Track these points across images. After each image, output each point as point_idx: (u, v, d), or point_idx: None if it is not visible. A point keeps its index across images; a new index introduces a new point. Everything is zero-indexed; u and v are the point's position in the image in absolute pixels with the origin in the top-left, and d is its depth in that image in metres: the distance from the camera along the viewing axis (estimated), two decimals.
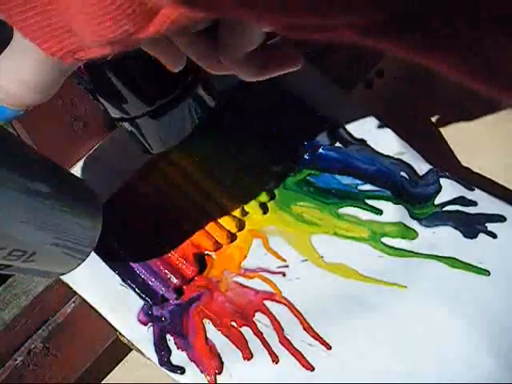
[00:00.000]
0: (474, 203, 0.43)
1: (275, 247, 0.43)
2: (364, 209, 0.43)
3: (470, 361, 0.36)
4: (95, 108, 0.41)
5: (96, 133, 0.42)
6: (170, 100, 0.34)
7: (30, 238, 0.27)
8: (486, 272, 0.39)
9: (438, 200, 0.44)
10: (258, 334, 0.39)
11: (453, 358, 0.36)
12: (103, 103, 0.34)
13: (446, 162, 0.51)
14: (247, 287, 0.41)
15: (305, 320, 0.39)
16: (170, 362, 0.38)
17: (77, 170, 0.41)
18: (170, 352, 0.39)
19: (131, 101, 0.33)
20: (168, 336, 0.39)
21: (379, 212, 0.43)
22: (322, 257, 0.42)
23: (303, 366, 0.37)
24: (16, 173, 0.25)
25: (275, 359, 0.37)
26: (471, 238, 0.41)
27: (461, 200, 0.43)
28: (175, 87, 0.34)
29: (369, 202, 0.44)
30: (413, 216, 0.43)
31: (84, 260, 0.32)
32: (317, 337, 0.38)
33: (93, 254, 0.40)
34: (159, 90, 0.33)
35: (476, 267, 0.40)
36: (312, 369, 0.37)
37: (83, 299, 0.40)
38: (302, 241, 0.43)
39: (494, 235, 0.41)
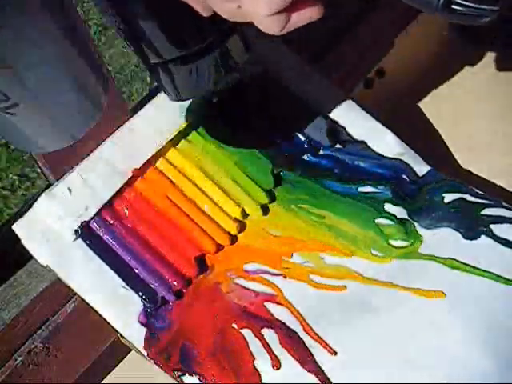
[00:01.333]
0: (474, 204, 0.43)
1: None
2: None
3: (469, 361, 0.36)
4: None
5: (96, 133, 0.42)
6: (202, 47, 0.34)
7: (18, 81, 0.24)
8: (487, 273, 0.39)
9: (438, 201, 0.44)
10: (259, 336, 0.39)
11: (453, 358, 0.37)
12: (137, 47, 0.34)
13: (445, 163, 0.51)
14: (248, 289, 0.41)
15: (305, 322, 0.39)
16: None
17: (77, 170, 0.41)
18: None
19: (164, 45, 0.33)
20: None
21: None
22: (322, 258, 0.42)
23: (305, 368, 0.37)
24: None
25: (276, 362, 0.37)
26: (471, 239, 0.41)
27: (460, 201, 0.43)
28: (208, 36, 0.34)
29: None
30: (413, 217, 0.43)
31: (71, 139, 0.29)
32: (318, 339, 0.38)
33: (93, 254, 0.40)
34: (193, 36, 0.34)
35: (476, 268, 0.40)
36: (315, 371, 0.37)
37: (83, 300, 0.40)
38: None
39: (494, 236, 0.41)
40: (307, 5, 0.26)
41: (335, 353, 0.37)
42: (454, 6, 0.23)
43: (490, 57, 0.57)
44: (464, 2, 0.23)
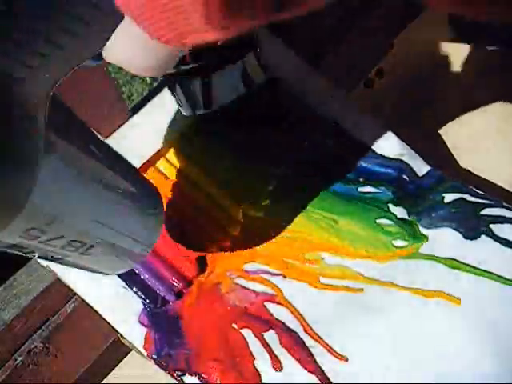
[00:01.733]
0: (474, 204, 0.43)
1: None
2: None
3: (469, 361, 0.36)
4: (96, 108, 0.41)
5: (96, 132, 0.42)
6: (223, 59, 0.35)
7: (92, 230, 0.25)
8: (487, 273, 0.39)
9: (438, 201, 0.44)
10: (259, 337, 0.39)
11: (453, 358, 0.36)
12: None
13: (445, 163, 0.51)
14: (248, 289, 0.41)
15: (305, 322, 0.39)
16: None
17: None
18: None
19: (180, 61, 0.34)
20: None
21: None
22: (323, 258, 0.42)
23: (305, 368, 0.37)
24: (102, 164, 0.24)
25: (277, 362, 0.37)
26: (471, 239, 0.41)
27: (461, 201, 0.43)
28: (223, 53, 0.35)
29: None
30: (413, 217, 0.43)
31: (131, 266, 0.31)
32: (318, 339, 0.38)
33: None
34: (208, 53, 0.34)
35: (476, 268, 0.40)
36: (315, 371, 0.37)
37: (83, 300, 0.40)
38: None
39: (494, 236, 0.41)
40: None
41: (346, 359, 0.37)
42: None
43: (491, 57, 0.58)
44: None
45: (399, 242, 0.42)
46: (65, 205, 0.23)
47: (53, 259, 0.26)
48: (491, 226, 0.41)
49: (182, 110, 0.39)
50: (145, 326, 0.39)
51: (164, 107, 0.44)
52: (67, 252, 0.26)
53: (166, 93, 0.45)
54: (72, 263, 0.28)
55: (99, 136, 0.28)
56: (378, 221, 0.43)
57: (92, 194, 0.25)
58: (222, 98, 0.37)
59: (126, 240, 0.28)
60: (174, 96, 0.37)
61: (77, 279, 0.40)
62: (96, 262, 0.29)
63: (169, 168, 0.44)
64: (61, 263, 0.27)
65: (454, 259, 0.40)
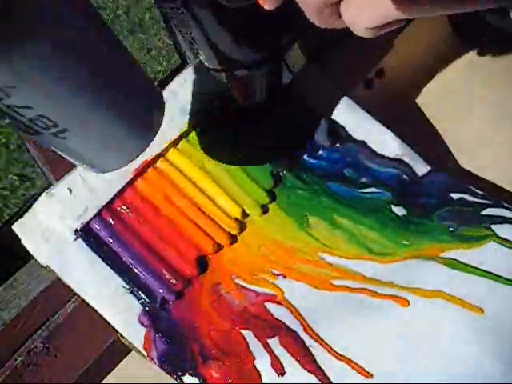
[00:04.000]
0: (474, 204, 0.43)
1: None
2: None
3: (470, 361, 0.36)
4: None
5: None
6: (262, 59, 0.35)
7: (64, 109, 0.24)
8: (487, 273, 0.39)
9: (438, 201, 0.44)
10: (260, 337, 0.39)
11: (453, 358, 0.36)
12: (202, 53, 0.35)
13: (445, 163, 0.51)
14: (248, 289, 0.41)
15: (305, 322, 0.39)
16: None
17: (77, 171, 0.41)
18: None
19: (229, 53, 0.34)
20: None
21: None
22: (323, 258, 0.42)
23: (305, 368, 0.37)
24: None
25: (277, 364, 0.37)
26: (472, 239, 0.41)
27: (461, 201, 0.43)
28: (266, 49, 0.35)
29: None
30: (413, 217, 0.43)
31: (124, 163, 0.30)
32: (318, 339, 0.38)
33: (93, 254, 0.40)
34: (255, 47, 0.35)
35: (476, 268, 0.40)
36: (315, 371, 0.37)
37: (83, 300, 0.40)
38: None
39: (494, 236, 0.41)
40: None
41: (346, 360, 0.37)
42: None
43: (491, 57, 0.57)
44: None
45: (398, 242, 0.42)
46: (38, 71, 0.22)
47: (27, 132, 0.25)
48: (491, 226, 0.41)
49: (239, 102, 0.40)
50: (145, 326, 0.39)
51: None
52: (38, 128, 0.24)
53: (166, 93, 0.45)
54: (50, 144, 0.26)
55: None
56: (377, 221, 0.43)
57: (73, 71, 0.23)
58: (257, 95, 0.38)
59: (108, 132, 0.26)
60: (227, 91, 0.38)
61: (77, 279, 0.40)
62: (78, 151, 0.27)
63: (169, 168, 0.44)
64: (40, 143, 0.25)
65: (454, 259, 0.40)
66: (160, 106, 0.30)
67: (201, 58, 0.36)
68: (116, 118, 0.27)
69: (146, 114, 0.29)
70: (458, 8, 0.23)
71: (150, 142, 0.29)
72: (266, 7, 0.28)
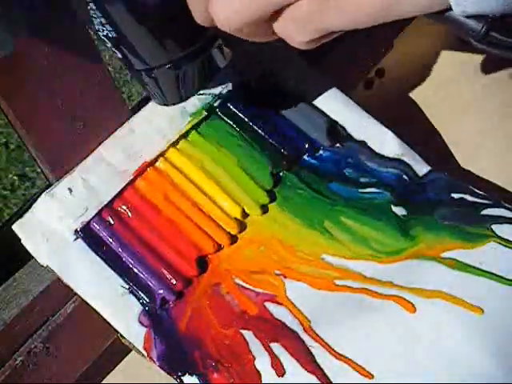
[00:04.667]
0: (474, 204, 0.43)
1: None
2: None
3: (470, 361, 0.36)
4: (95, 108, 0.41)
5: (96, 133, 0.42)
6: (188, 53, 0.35)
7: None
8: (487, 273, 0.39)
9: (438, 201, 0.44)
10: (260, 337, 0.39)
11: (453, 358, 0.37)
12: (124, 54, 0.34)
13: (446, 163, 0.51)
14: (248, 289, 0.41)
15: (306, 322, 0.39)
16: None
17: (77, 171, 0.41)
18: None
19: (151, 52, 0.34)
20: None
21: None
22: (323, 258, 0.42)
23: (306, 368, 0.37)
24: None
25: (277, 362, 0.37)
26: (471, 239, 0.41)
27: (461, 201, 0.43)
28: (195, 42, 0.35)
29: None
30: (413, 217, 0.43)
31: None
32: (318, 339, 0.38)
33: (93, 254, 0.40)
34: (180, 44, 0.34)
35: (476, 268, 0.40)
36: (315, 371, 0.37)
37: (83, 300, 0.40)
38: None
39: (494, 236, 0.41)
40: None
41: (346, 360, 0.37)
42: (491, 39, 0.23)
43: (491, 57, 0.58)
44: (501, 37, 0.23)
45: (398, 242, 0.42)
46: None
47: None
48: (491, 226, 0.41)
49: (155, 102, 0.39)
50: (145, 326, 0.39)
51: (164, 107, 0.44)
52: None
53: None
54: None
55: None
56: (377, 221, 0.43)
57: None
58: (190, 88, 0.38)
59: None
60: (146, 90, 0.38)
61: (77, 279, 0.40)
62: None
63: (169, 168, 0.44)
64: None
65: (454, 259, 0.40)
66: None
67: (119, 59, 0.35)
68: None
69: None
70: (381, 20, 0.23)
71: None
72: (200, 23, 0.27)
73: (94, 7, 0.30)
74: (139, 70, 0.35)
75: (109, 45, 0.34)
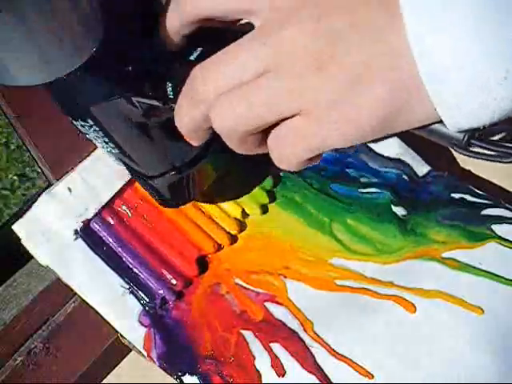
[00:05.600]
0: (474, 204, 0.43)
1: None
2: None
3: (470, 360, 0.36)
4: None
5: None
6: (188, 161, 0.36)
7: None
8: (487, 273, 0.39)
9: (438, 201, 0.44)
10: (260, 337, 0.39)
11: (453, 357, 0.37)
12: (127, 165, 0.35)
13: (445, 163, 0.51)
14: (248, 289, 0.41)
15: (305, 322, 0.39)
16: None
17: (77, 170, 0.41)
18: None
19: (152, 163, 0.35)
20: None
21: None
22: (324, 259, 0.42)
23: (306, 368, 0.37)
24: None
25: (277, 362, 0.37)
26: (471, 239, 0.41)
27: (461, 201, 0.43)
28: (189, 155, 0.35)
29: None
30: (413, 217, 0.43)
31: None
32: (318, 339, 0.38)
33: (93, 254, 0.40)
34: (180, 152, 0.35)
35: (476, 268, 0.40)
36: (315, 371, 0.37)
37: (83, 300, 0.40)
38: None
39: (494, 236, 0.41)
40: None
41: (346, 360, 0.37)
42: (474, 147, 0.23)
43: None
44: (483, 144, 0.23)
45: (398, 242, 0.42)
46: None
47: None
48: (491, 226, 0.41)
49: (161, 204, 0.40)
50: (145, 326, 0.39)
51: None
52: None
53: None
54: None
55: None
56: (377, 221, 0.43)
57: None
58: (188, 192, 0.39)
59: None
60: (151, 193, 0.38)
61: (77, 279, 0.40)
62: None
63: None
64: None
65: (454, 259, 0.40)
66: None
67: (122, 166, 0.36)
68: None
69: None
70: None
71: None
72: (194, 144, 0.27)
73: (96, 129, 0.31)
74: (144, 177, 0.36)
75: (113, 158, 0.35)
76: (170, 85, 0.27)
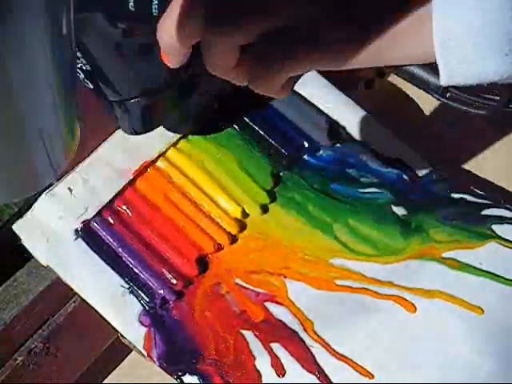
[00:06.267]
0: (474, 204, 0.43)
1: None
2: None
3: (470, 361, 0.36)
4: (95, 108, 0.41)
5: (96, 133, 0.42)
6: (159, 88, 0.35)
7: None
8: (487, 273, 0.39)
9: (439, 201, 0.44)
10: (260, 337, 0.39)
11: (453, 358, 0.37)
12: (97, 84, 0.34)
13: (446, 164, 0.51)
14: (248, 289, 0.41)
15: (306, 322, 0.39)
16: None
17: (78, 170, 0.41)
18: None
19: (123, 85, 0.34)
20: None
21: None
22: (324, 259, 0.42)
23: (306, 368, 0.37)
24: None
25: (277, 362, 0.37)
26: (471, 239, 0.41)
27: (461, 201, 0.43)
28: (166, 78, 0.35)
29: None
30: (414, 218, 0.43)
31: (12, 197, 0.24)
32: (318, 339, 0.38)
33: (93, 254, 0.40)
34: (152, 78, 0.35)
35: (476, 268, 0.40)
36: (315, 371, 0.37)
37: (83, 300, 0.40)
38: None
39: (494, 236, 0.41)
40: None
41: (346, 360, 0.37)
42: (451, 94, 0.24)
43: None
44: (459, 93, 0.24)
45: (398, 243, 0.42)
46: None
47: None
48: (491, 226, 0.41)
49: (122, 131, 0.40)
50: (145, 325, 0.39)
51: None
52: None
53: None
54: None
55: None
56: (377, 221, 0.43)
57: None
58: (158, 119, 0.39)
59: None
60: (116, 119, 0.38)
61: (77, 279, 0.40)
62: None
63: (169, 167, 0.44)
64: None
65: (454, 259, 0.40)
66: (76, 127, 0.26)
67: (88, 87, 0.35)
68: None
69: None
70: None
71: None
72: (170, 65, 0.28)
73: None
74: (111, 100, 0.36)
75: (82, 76, 0.34)
76: (155, 2, 0.27)
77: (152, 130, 0.40)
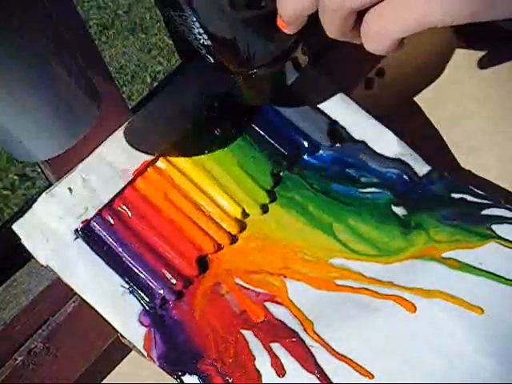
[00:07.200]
0: (474, 204, 0.43)
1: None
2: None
3: (470, 361, 0.36)
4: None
5: (96, 133, 0.42)
6: (273, 59, 0.38)
7: None
8: (487, 273, 0.39)
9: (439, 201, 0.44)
10: (260, 337, 0.39)
11: (453, 358, 0.36)
12: (218, 58, 0.37)
13: (446, 163, 0.51)
14: (248, 289, 0.41)
15: (306, 322, 0.39)
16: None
17: (78, 170, 0.41)
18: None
19: (244, 56, 0.36)
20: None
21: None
22: (324, 259, 0.42)
23: (306, 368, 0.37)
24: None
25: (277, 362, 0.38)
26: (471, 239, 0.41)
27: (461, 201, 0.43)
28: (277, 49, 0.37)
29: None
30: (414, 217, 0.43)
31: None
32: (318, 339, 0.38)
33: (93, 254, 0.40)
34: (268, 48, 0.37)
35: (476, 268, 0.40)
36: (315, 371, 0.37)
37: (83, 300, 0.40)
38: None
39: (494, 236, 0.41)
40: None
41: (347, 360, 0.37)
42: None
43: (492, 56, 0.58)
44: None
45: (399, 243, 0.42)
46: None
47: None
48: (491, 226, 0.41)
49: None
50: (145, 326, 0.39)
51: (164, 108, 0.44)
52: None
53: (166, 93, 0.45)
54: None
55: None
56: (377, 221, 0.43)
57: None
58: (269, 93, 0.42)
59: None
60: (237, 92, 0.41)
61: (77, 279, 0.40)
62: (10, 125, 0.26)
63: (169, 167, 0.44)
64: None
65: (454, 259, 0.40)
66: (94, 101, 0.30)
67: (209, 61, 0.37)
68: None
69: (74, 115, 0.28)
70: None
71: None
72: (287, 32, 0.30)
73: (193, 19, 0.33)
74: (234, 72, 0.38)
75: (203, 52, 0.36)
76: None
77: (263, 102, 0.43)
